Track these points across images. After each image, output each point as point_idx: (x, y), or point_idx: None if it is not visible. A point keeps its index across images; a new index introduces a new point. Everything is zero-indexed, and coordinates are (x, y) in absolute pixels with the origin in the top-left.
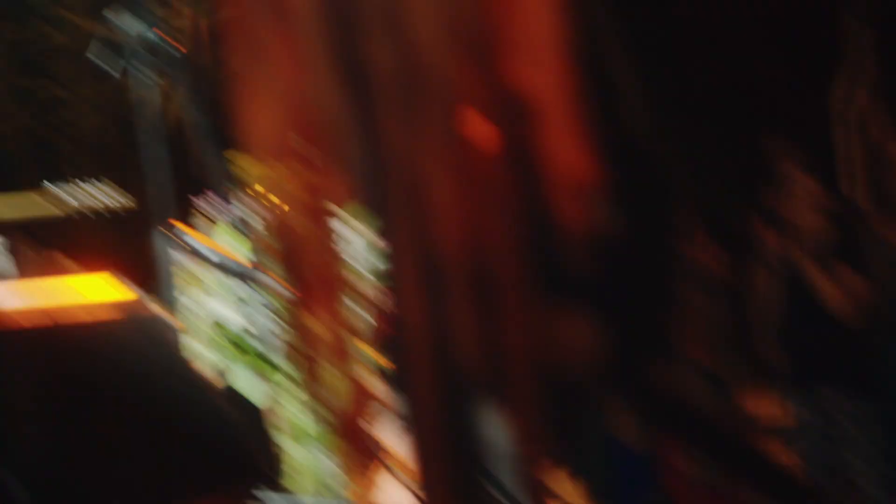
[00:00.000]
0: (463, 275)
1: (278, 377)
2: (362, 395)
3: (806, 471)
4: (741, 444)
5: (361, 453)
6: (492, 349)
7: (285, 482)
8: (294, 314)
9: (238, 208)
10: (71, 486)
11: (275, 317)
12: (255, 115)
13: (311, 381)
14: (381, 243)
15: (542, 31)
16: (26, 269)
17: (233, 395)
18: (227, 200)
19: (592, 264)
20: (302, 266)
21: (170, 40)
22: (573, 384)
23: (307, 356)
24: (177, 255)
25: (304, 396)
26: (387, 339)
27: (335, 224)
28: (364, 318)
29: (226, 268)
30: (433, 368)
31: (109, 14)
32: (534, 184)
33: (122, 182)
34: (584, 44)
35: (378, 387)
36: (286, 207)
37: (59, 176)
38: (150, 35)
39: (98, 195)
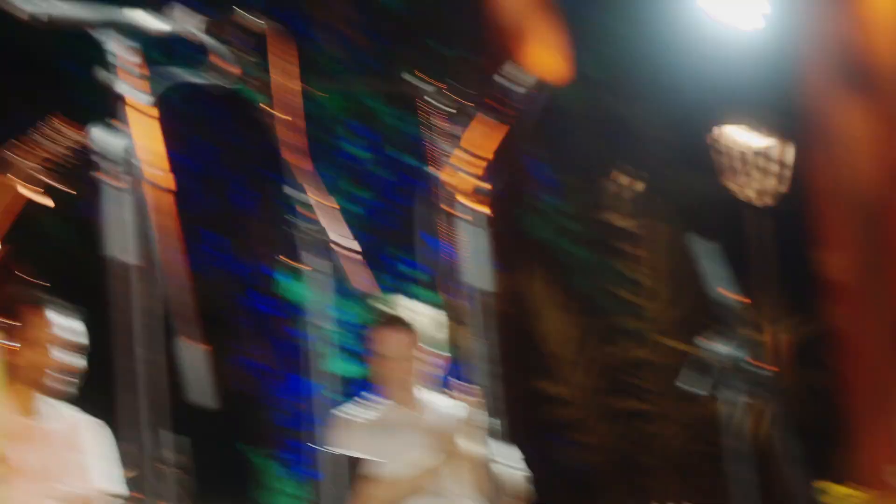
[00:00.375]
0: None
1: None
2: None
3: None
4: None
5: None
6: None
7: None
8: None
9: None
10: None
11: None
12: (866, 445)
13: None
14: None
15: None
16: None
17: None
18: None
19: None
20: None
21: (759, 361)
22: None
23: None
24: None
25: None
26: None
27: None
28: None
29: None
30: None
31: (698, 333)
32: None
33: None
34: None
35: None
36: None
37: (643, 494)
38: (740, 355)
39: None
